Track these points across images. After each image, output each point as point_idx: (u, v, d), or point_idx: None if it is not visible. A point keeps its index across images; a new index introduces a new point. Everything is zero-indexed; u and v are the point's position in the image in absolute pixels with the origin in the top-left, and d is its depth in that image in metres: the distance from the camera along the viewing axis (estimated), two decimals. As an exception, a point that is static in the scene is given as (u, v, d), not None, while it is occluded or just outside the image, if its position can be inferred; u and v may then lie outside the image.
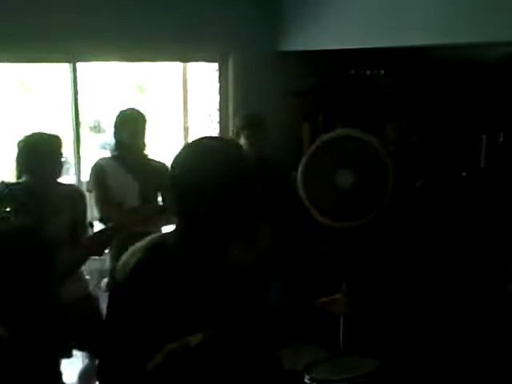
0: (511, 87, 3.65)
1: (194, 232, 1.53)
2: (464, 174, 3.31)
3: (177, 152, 1.56)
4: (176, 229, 1.59)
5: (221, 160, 1.48)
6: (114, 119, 3.64)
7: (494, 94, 3.66)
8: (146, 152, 3.67)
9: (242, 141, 3.73)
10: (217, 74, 4.57)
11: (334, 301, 2.91)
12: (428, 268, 3.35)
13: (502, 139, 2.91)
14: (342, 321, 2.99)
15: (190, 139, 6.40)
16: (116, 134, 3.62)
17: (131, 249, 1.62)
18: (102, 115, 7.96)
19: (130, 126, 3.56)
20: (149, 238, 1.63)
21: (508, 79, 3.65)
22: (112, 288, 1.66)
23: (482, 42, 3.08)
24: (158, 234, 1.69)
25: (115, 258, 3.62)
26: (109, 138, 4.16)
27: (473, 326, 2.80)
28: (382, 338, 3.36)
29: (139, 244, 1.62)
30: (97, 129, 8.40)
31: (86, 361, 3.57)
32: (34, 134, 3.11)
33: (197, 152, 1.52)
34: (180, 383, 0.90)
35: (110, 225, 3.00)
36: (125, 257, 1.60)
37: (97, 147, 7.39)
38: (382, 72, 4.19)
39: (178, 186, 1.51)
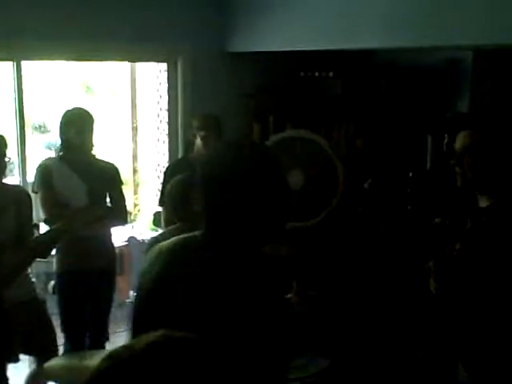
0: (455, 90, 3.75)
1: (223, 233, 1.51)
2: (411, 174, 3.38)
3: (209, 153, 1.59)
4: (204, 230, 1.56)
5: (253, 160, 1.50)
6: (59, 119, 3.57)
7: (440, 96, 3.75)
8: (93, 152, 3.61)
9: (198, 141, 3.71)
10: (165, 74, 4.54)
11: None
12: (377, 267, 3.41)
13: (446, 140, 2.98)
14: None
15: (139, 139, 6.34)
16: (62, 134, 3.55)
17: (155, 250, 1.60)
18: (46, 115, 7.79)
19: (77, 125, 3.49)
20: (173, 239, 1.61)
21: (452, 83, 3.75)
22: (139, 291, 1.61)
23: (428, 47, 3.16)
24: (182, 236, 1.65)
25: (62, 260, 3.56)
26: (54, 138, 4.08)
27: (423, 325, 2.86)
28: (332, 338, 3.40)
29: (164, 245, 1.60)
30: (42, 129, 8.22)
31: (33, 365, 3.49)
32: None
33: (229, 152, 1.53)
34: None
35: (55, 226, 2.93)
36: (150, 259, 1.59)
37: (42, 147, 7.24)
38: (331, 74, 4.24)
39: (210, 186, 1.51)
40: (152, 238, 3.08)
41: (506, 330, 2.19)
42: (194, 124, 3.84)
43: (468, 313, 2.26)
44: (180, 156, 4.41)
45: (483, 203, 2.30)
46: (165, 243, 1.61)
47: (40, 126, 8.21)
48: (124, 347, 0.92)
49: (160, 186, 3.85)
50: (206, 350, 0.94)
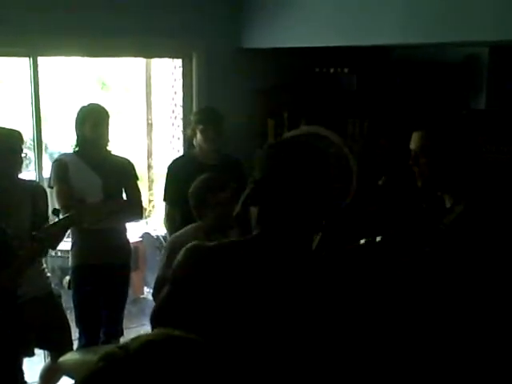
0: (472, 87, 3.72)
1: (275, 225, 1.52)
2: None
3: (259, 152, 1.63)
4: (256, 225, 1.57)
5: (304, 157, 1.53)
6: (75, 115, 3.59)
7: (456, 93, 3.72)
8: (108, 148, 3.63)
9: (198, 136, 3.70)
10: (181, 70, 4.55)
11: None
12: (389, 265, 3.39)
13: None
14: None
15: (154, 135, 6.36)
16: (78, 130, 3.57)
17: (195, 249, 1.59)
18: (62, 111, 7.84)
19: (92, 121, 3.51)
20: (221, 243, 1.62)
21: (468, 79, 3.72)
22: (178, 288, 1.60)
23: (445, 42, 3.13)
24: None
25: (77, 255, 3.58)
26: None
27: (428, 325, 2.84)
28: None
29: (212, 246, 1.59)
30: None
31: (48, 360, 3.52)
32: None
33: (283, 150, 1.57)
34: None
35: (63, 217, 2.93)
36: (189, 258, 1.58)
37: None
38: (346, 70, 4.21)
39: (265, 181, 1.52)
40: (174, 236, 3.07)
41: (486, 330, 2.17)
42: (192, 118, 3.84)
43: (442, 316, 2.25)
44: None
45: (447, 203, 2.30)
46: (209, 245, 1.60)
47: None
48: (119, 347, 0.90)
49: (164, 182, 3.87)
50: (206, 350, 0.92)
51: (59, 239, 2.89)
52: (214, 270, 1.50)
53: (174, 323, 1.38)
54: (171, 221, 3.72)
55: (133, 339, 0.91)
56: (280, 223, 1.51)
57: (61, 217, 2.92)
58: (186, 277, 1.55)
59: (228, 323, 1.46)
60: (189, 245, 1.58)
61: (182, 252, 1.58)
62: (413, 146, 2.33)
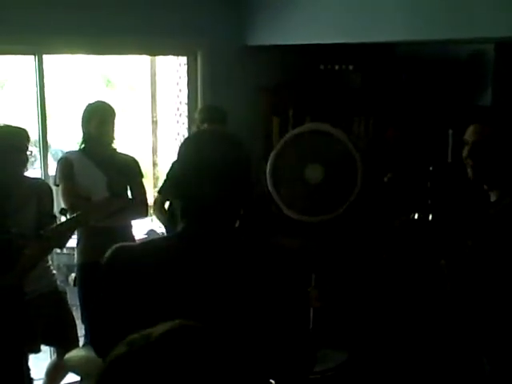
0: (477, 83, 3.71)
1: (196, 220, 1.53)
2: (431, 168, 3.35)
3: (182, 143, 1.61)
4: (182, 221, 1.57)
5: (221, 148, 1.53)
6: (81, 112, 3.60)
7: (461, 90, 3.71)
8: (114, 145, 3.64)
9: None
10: (185, 67, 4.55)
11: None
12: (396, 261, 3.39)
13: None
14: (312, 314, 3.00)
15: (159, 133, 6.36)
16: (83, 127, 3.58)
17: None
18: (67, 108, 7.85)
19: (98, 118, 3.52)
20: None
21: (474, 76, 3.70)
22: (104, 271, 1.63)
23: (450, 39, 3.12)
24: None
25: (82, 252, 3.59)
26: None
27: (442, 320, 2.84)
28: (351, 331, 3.39)
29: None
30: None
31: (54, 356, 3.53)
32: None
33: (199, 142, 1.58)
34: (140, 375, 0.88)
35: (71, 216, 2.94)
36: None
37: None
38: (351, 67, 4.20)
39: (181, 173, 1.53)
40: None
41: None
42: (196, 116, 3.84)
43: (485, 308, 2.25)
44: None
45: (493, 198, 2.29)
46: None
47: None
48: (141, 335, 0.93)
49: (165, 177, 3.91)
50: (221, 340, 0.95)
51: (66, 239, 2.89)
52: (140, 267, 1.50)
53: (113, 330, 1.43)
54: (161, 209, 3.80)
55: (154, 328, 0.94)
56: (203, 216, 1.52)
57: (68, 216, 2.92)
58: (112, 277, 1.56)
59: (156, 316, 1.46)
60: (113, 246, 1.60)
61: (108, 252, 1.59)
62: (471, 138, 2.28)
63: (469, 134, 2.30)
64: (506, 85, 3.60)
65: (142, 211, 3.73)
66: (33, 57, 3.98)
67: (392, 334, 3.35)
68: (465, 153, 2.30)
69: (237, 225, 1.60)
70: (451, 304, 2.43)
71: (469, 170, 2.31)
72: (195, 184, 1.50)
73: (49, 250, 3.00)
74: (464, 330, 2.41)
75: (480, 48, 3.64)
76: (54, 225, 2.84)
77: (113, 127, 3.57)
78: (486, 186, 2.32)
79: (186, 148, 1.57)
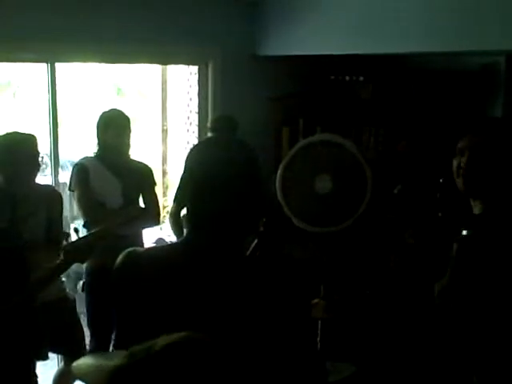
0: (488, 95, 3.70)
1: (205, 226, 1.50)
2: (441, 180, 3.34)
3: (189, 151, 1.58)
4: (187, 227, 1.56)
5: (224, 157, 1.49)
6: (96, 120, 3.61)
7: (472, 101, 3.70)
8: (129, 153, 3.65)
9: None
10: (196, 76, 4.56)
11: (313, 306, 2.91)
12: (405, 273, 3.38)
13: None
14: (320, 326, 2.99)
15: (169, 142, 6.38)
16: (99, 135, 3.59)
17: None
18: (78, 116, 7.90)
19: (115, 127, 3.53)
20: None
21: (485, 88, 3.70)
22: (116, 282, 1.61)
23: (462, 51, 3.12)
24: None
25: (92, 259, 3.58)
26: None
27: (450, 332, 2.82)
28: (360, 343, 3.37)
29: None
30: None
31: (62, 364, 3.53)
32: (9, 134, 3.07)
33: (203, 151, 1.55)
34: None
35: (93, 231, 2.90)
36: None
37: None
38: (362, 78, 4.21)
39: (193, 182, 1.50)
40: None
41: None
42: (209, 126, 3.86)
43: (472, 320, 2.23)
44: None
45: (476, 210, 2.26)
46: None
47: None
48: (142, 346, 0.92)
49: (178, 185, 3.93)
50: (225, 353, 0.94)
51: (88, 254, 2.83)
52: (148, 273, 1.49)
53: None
54: (177, 220, 3.80)
55: (156, 341, 0.93)
56: (209, 224, 1.48)
57: (91, 230, 2.86)
58: (123, 282, 1.55)
59: (160, 325, 1.44)
60: (125, 250, 1.58)
61: (119, 257, 1.58)
62: (463, 145, 2.27)
63: (465, 144, 2.27)
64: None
65: (155, 219, 3.73)
66: (45, 65, 4.01)
67: (397, 346, 3.33)
68: (458, 162, 2.27)
69: (254, 239, 1.58)
70: (442, 322, 2.41)
71: (459, 180, 2.28)
72: (196, 194, 1.48)
73: (68, 265, 2.96)
74: (454, 348, 2.39)
75: (491, 60, 3.63)
76: (76, 239, 2.78)
77: (129, 136, 3.59)
78: (471, 198, 2.29)
79: (189, 157, 1.55)
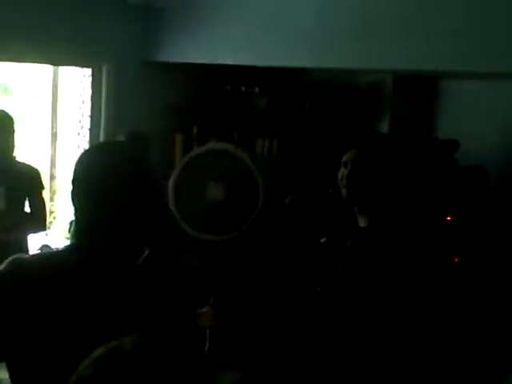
0: (376, 111, 3.86)
1: (89, 234, 1.47)
2: (330, 191, 3.44)
3: (78, 157, 1.55)
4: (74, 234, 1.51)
5: (118, 161, 1.48)
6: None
7: (361, 117, 3.84)
8: (14, 154, 3.49)
9: None
10: (89, 79, 4.45)
11: (201, 314, 2.90)
12: (294, 282, 3.44)
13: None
14: (208, 333, 2.98)
15: (58, 145, 6.17)
16: None
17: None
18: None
19: None
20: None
21: (373, 104, 3.85)
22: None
23: (351, 68, 3.24)
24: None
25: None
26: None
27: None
28: (247, 351, 3.39)
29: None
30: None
31: None
32: None
33: (96, 155, 1.53)
34: None
35: None
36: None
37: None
38: (257, 90, 4.27)
39: (81, 188, 1.47)
40: None
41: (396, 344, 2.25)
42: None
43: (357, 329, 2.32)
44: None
45: (362, 223, 2.37)
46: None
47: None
48: (107, 349, 0.88)
49: None
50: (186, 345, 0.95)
51: None
52: (34, 282, 1.44)
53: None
54: None
55: (119, 341, 0.91)
56: (96, 230, 1.47)
57: None
58: (6, 292, 1.46)
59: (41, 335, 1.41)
60: (9, 258, 1.51)
61: (2, 265, 1.50)
62: (350, 159, 2.36)
63: (348, 156, 2.37)
64: (403, 113, 3.77)
65: (41, 225, 3.59)
66: None
67: (290, 355, 3.38)
68: (342, 174, 2.38)
69: (144, 244, 1.55)
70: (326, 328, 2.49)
71: (343, 191, 2.38)
72: (85, 199, 1.46)
73: None
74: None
75: (380, 78, 3.79)
76: None
77: (13, 136, 3.43)
78: (356, 210, 2.40)
79: (78, 162, 1.52)
